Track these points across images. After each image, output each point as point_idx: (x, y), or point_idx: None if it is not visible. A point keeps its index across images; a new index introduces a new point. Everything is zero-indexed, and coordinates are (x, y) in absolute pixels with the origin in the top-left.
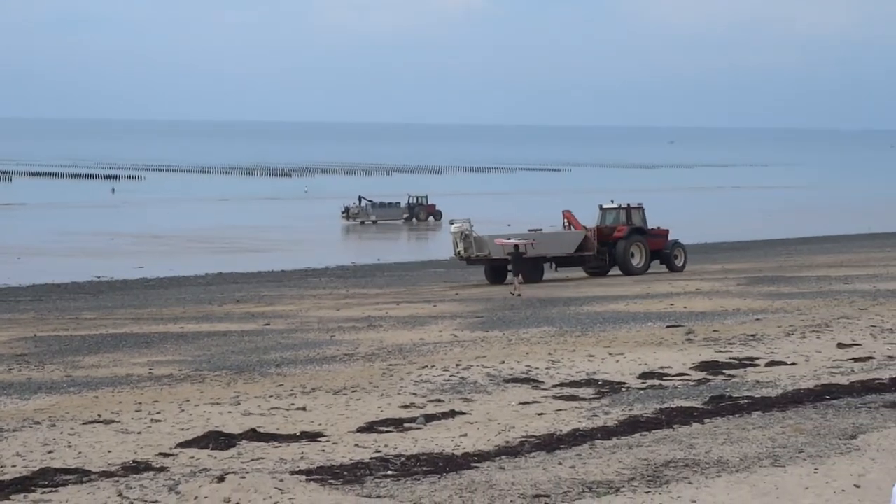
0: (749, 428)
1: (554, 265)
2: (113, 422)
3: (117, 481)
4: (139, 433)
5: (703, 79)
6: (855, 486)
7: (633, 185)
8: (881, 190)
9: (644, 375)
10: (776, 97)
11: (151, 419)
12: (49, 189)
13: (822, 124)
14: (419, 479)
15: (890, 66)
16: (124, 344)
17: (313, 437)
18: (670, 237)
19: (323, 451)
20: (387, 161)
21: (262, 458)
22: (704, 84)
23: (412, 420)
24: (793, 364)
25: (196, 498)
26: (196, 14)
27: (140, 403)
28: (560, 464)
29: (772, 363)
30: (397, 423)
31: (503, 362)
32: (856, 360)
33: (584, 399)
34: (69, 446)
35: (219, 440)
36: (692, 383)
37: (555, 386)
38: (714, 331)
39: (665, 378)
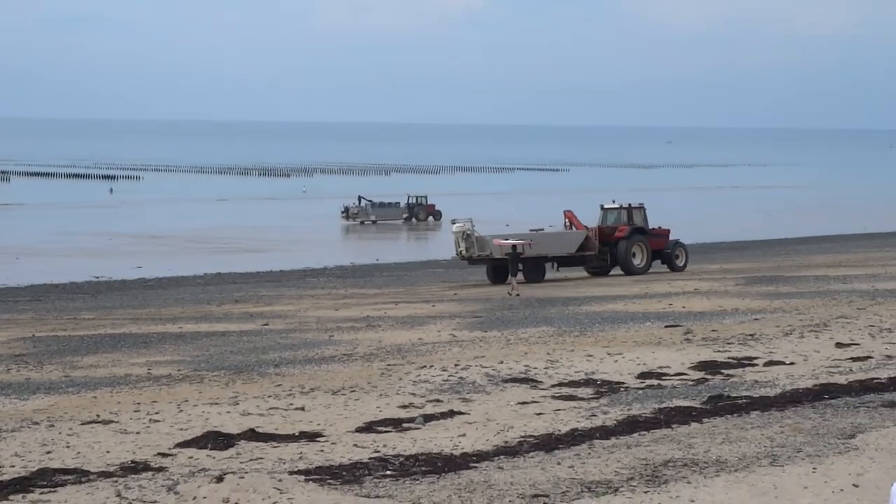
0: (748, 427)
1: (556, 265)
2: (111, 422)
3: (116, 481)
4: (138, 433)
5: (703, 79)
6: (853, 485)
7: (631, 185)
8: (880, 190)
9: (642, 375)
10: (776, 97)
11: (150, 419)
12: (47, 189)
13: (822, 124)
14: (418, 479)
15: (890, 66)
16: (123, 344)
17: (312, 437)
18: (671, 237)
19: (322, 451)
20: (386, 161)
21: (260, 458)
22: (704, 84)
23: (411, 420)
24: (791, 364)
25: (195, 498)
26: (196, 14)
27: (139, 403)
28: (559, 464)
29: (770, 363)
30: (396, 423)
31: (502, 362)
32: (854, 359)
33: (582, 399)
34: (68, 446)
35: (217, 440)
36: (691, 383)
37: (553, 386)
38: (712, 330)
39: (664, 378)
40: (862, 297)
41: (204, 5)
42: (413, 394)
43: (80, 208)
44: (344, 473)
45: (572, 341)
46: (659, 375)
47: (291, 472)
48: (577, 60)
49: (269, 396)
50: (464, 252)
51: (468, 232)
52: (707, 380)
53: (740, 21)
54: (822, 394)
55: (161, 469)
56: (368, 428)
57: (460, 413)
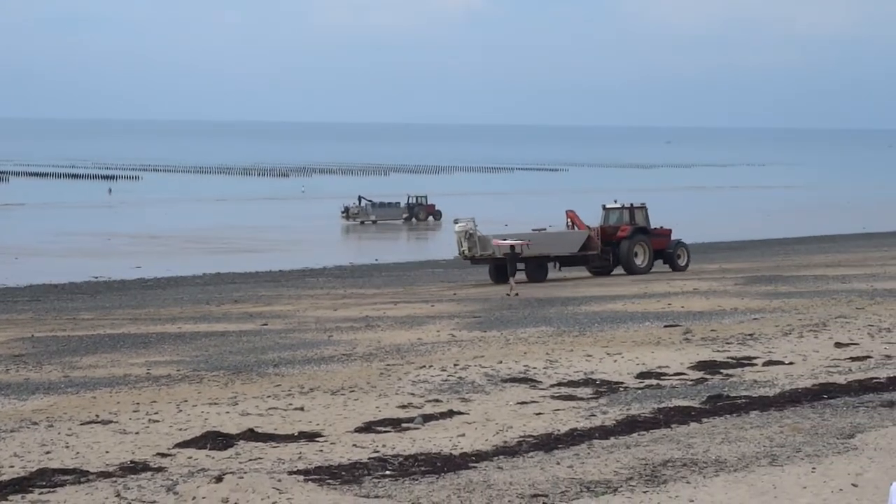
0: (747, 427)
1: (558, 264)
2: (111, 422)
3: (115, 482)
4: (137, 433)
5: (703, 79)
6: (852, 485)
7: (630, 184)
8: (879, 190)
9: (642, 375)
10: (776, 97)
11: (149, 419)
12: (46, 189)
13: (822, 124)
14: (417, 479)
15: (890, 66)
16: (122, 344)
17: (311, 437)
18: (672, 237)
19: (321, 451)
20: (386, 161)
21: (259, 459)
22: (704, 84)
23: (410, 420)
24: (790, 363)
25: (194, 498)
26: (196, 14)
27: (138, 404)
28: (558, 463)
29: (769, 362)
30: (395, 423)
31: (501, 362)
32: (853, 359)
33: (581, 399)
34: (67, 447)
35: (217, 440)
36: (690, 383)
37: (552, 386)
38: (712, 330)
39: (663, 378)
40: (861, 297)
41: (204, 5)
42: (412, 394)
43: (79, 208)
44: (343, 473)
45: (571, 341)
46: (658, 375)
47: (290, 472)
48: (577, 60)
49: (269, 396)
50: (466, 252)
51: (471, 232)
52: (706, 380)
53: (740, 21)
54: (821, 393)
55: (160, 469)
56: (367, 428)
57: (459, 413)
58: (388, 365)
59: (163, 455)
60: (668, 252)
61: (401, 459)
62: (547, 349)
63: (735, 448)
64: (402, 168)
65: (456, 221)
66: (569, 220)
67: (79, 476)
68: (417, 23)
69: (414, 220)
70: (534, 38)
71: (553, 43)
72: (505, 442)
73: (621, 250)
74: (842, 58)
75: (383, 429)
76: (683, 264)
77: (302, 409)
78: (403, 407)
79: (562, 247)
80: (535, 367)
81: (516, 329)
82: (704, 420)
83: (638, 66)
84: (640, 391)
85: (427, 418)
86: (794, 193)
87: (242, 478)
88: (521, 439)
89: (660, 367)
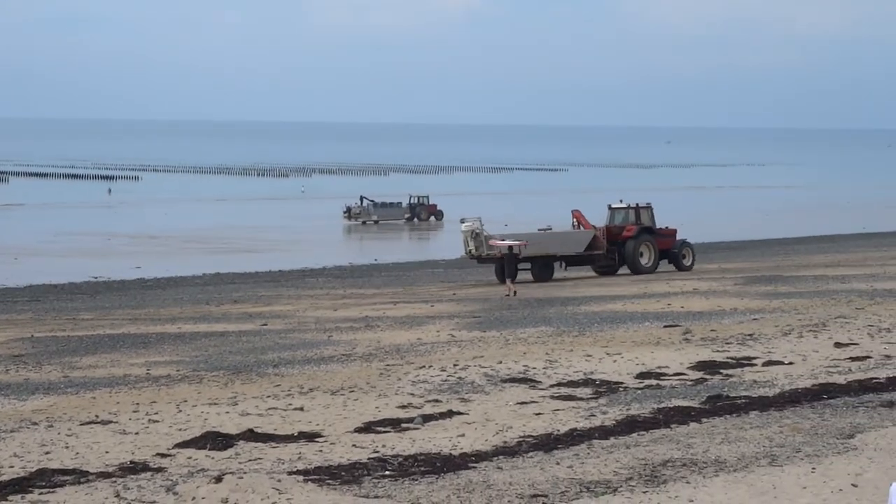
0: (746, 427)
1: (563, 264)
2: (110, 422)
3: (115, 482)
4: (137, 434)
5: (703, 79)
6: (852, 485)
7: (630, 184)
8: (879, 190)
9: (641, 375)
10: (776, 97)
11: (149, 420)
12: (46, 189)
13: (822, 124)
14: (417, 480)
15: (890, 66)
16: (122, 344)
17: (311, 437)
18: (678, 237)
19: (320, 451)
20: (386, 161)
21: (259, 459)
22: (704, 84)
23: (410, 420)
24: (790, 363)
25: (194, 498)
26: (196, 14)
27: (138, 404)
28: (558, 464)
29: (769, 363)
30: (395, 424)
31: (500, 362)
32: (853, 359)
33: (581, 399)
34: (67, 447)
35: (216, 440)
36: (689, 383)
37: (552, 386)
38: (711, 330)
39: (662, 378)
40: (861, 297)
41: (204, 5)
42: (412, 394)
43: (79, 208)
44: (343, 474)
45: (571, 341)
46: (658, 375)
47: (290, 473)
48: (577, 60)
49: (268, 397)
50: (473, 251)
51: (477, 231)
52: (706, 380)
53: (740, 21)
54: (820, 394)
55: (160, 469)
56: (367, 428)
57: (459, 413)
58: (388, 365)
59: (162, 455)
60: (673, 252)
61: (400, 460)
62: (546, 349)
63: (735, 448)
64: (403, 168)
65: (462, 221)
66: (574, 219)
67: (78, 476)
68: (417, 23)
69: (416, 220)
70: (534, 38)
71: (553, 43)
72: (504, 442)
73: (627, 250)
74: (842, 58)
75: (383, 429)
76: (689, 264)
77: (301, 409)
78: (403, 407)
79: (567, 246)
80: (534, 368)
81: (516, 329)
82: (704, 420)
83: (638, 66)
84: (639, 391)
85: (427, 418)
86: (793, 193)
87: (242, 478)
88: (520, 439)
89: (659, 368)
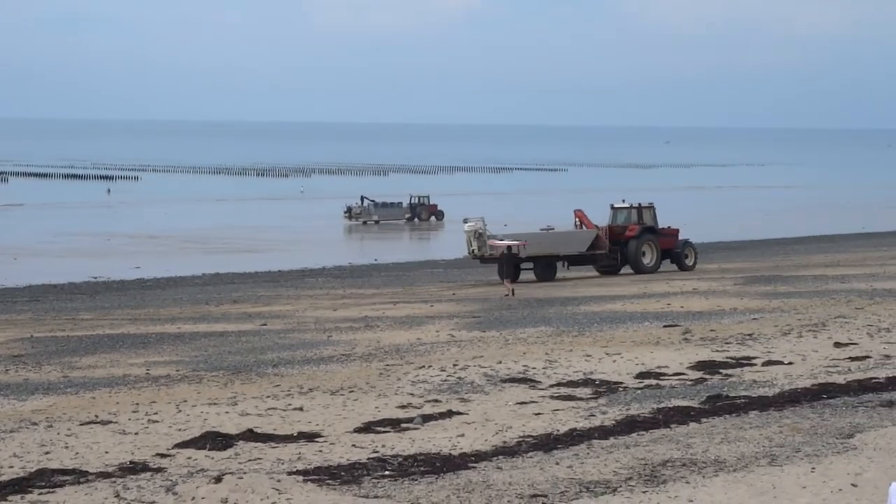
0: (746, 427)
1: (566, 263)
2: (110, 422)
3: (115, 482)
4: (136, 434)
5: (703, 79)
6: (852, 485)
7: (629, 184)
8: (879, 190)
9: (641, 375)
10: (776, 97)
11: (149, 420)
12: (45, 190)
13: (822, 124)
14: (416, 480)
15: (890, 66)
16: (121, 344)
17: (310, 437)
18: (680, 236)
19: (320, 451)
20: (386, 161)
21: (259, 459)
22: (704, 84)
23: (409, 420)
24: (790, 363)
25: (193, 498)
26: (196, 14)
27: (137, 404)
28: (557, 464)
29: (769, 362)
30: (394, 424)
31: (500, 362)
32: (852, 359)
33: (581, 399)
34: (66, 447)
35: (216, 441)
36: (689, 383)
37: (552, 386)
38: (711, 330)
39: (662, 378)
40: (860, 297)
41: (204, 5)
42: (411, 394)
43: (79, 209)
44: (342, 474)
45: (571, 341)
46: (657, 375)
47: (290, 473)
48: (577, 60)
49: (268, 397)
50: (476, 251)
51: (480, 231)
52: (705, 380)
53: (740, 21)
54: (820, 393)
55: (160, 469)
56: (367, 428)
57: (459, 413)
58: (388, 365)
59: (162, 455)
60: (675, 252)
61: (400, 460)
62: (546, 349)
63: (734, 448)
64: (403, 168)
65: (465, 221)
66: (577, 219)
67: (78, 476)
68: (417, 23)
69: (416, 220)
70: (534, 38)
71: (553, 43)
72: (504, 442)
73: (629, 250)
74: (842, 58)
75: (382, 429)
76: (691, 264)
77: (301, 409)
78: (403, 407)
79: (570, 246)
80: (534, 368)
81: (515, 329)
82: (704, 420)
83: (638, 66)
84: (639, 391)
85: (426, 418)
86: (793, 193)
87: (242, 478)
88: (520, 439)
89: (659, 367)
